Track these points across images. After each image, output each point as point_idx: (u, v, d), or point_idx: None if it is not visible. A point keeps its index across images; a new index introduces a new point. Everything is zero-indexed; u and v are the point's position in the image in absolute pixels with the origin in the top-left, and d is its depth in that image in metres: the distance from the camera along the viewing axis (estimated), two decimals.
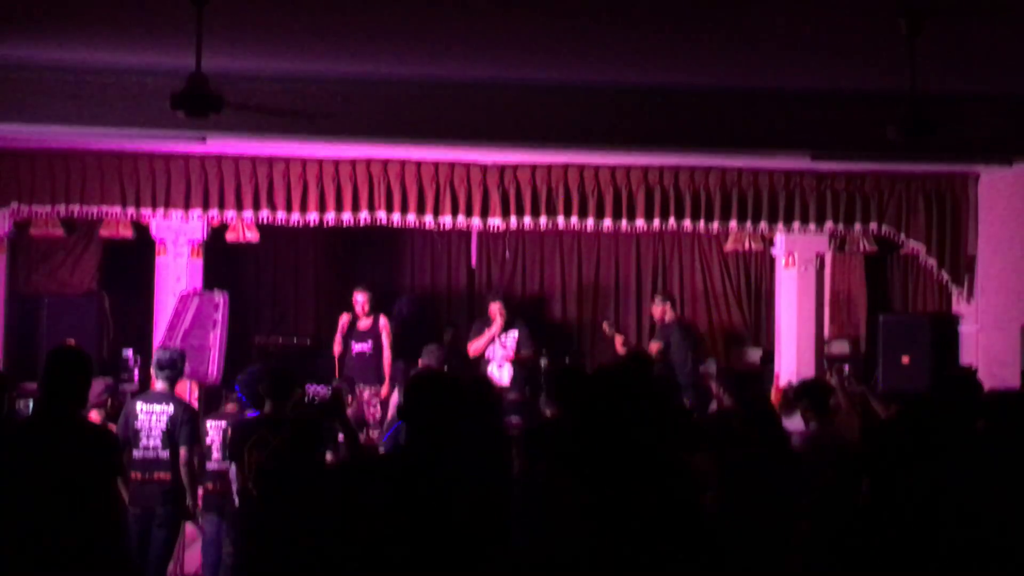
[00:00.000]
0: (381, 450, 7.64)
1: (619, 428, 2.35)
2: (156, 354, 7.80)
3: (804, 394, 6.86)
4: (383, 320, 10.63)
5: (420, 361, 8.92)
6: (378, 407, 10.25)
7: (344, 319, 10.60)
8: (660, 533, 2.27)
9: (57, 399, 4.89)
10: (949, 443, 4.79)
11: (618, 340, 11.02)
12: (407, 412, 3.80)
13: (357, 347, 10.56)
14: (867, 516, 4.54)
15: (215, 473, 7.52)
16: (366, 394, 10.28)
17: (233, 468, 6.53)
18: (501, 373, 10.56)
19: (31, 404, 8.64)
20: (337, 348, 10.59)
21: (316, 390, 9.99)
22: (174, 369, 7.62)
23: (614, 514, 2.33)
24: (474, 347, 10.88)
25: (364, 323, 10.61)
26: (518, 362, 10.67)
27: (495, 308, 10.83)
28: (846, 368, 10.56)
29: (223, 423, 7.64)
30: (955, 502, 4.37)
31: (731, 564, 4.24)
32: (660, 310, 11.20)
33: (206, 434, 7.65)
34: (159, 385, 7.57)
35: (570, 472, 2.33)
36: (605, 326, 11.23)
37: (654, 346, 10.91)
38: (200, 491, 7.59)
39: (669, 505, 2.62)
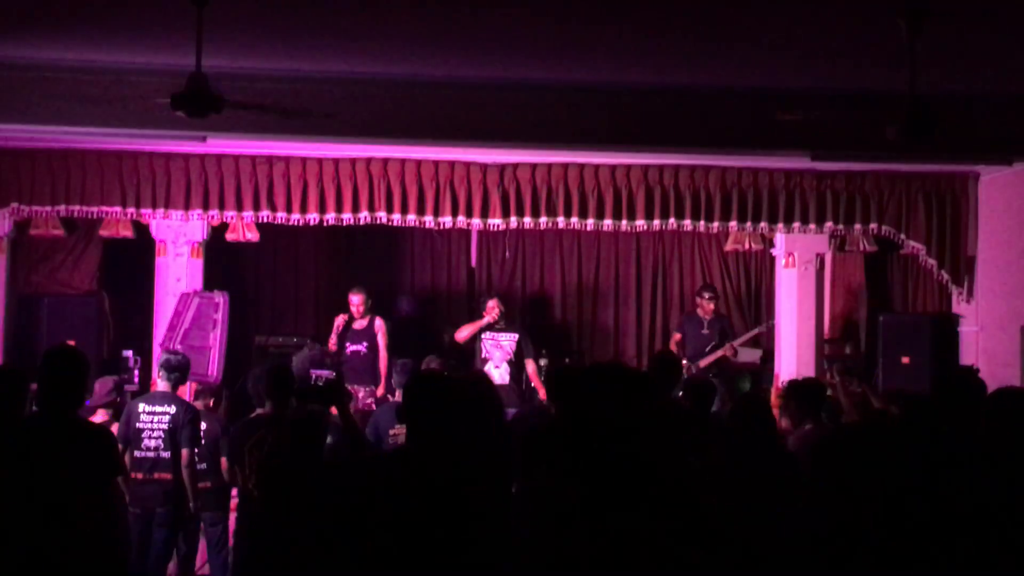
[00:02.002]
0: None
1: (608, 424, 2.35)
2: (165, 356, 7.79)
3: (795, 393, 6.80)
4: (379, 321, 10.63)
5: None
6: (373, 406, 10.24)
7: (340, 320, 10.60)
8: (656, 528, 2.28)
9: (55, 399, 4.89)
10: (954, 442, 4.79)
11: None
12: (406, 413, 3.80)
13: (352, 347, 10.56)
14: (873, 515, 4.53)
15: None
16: (361, 393, 10.28)
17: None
18: (498, 373, 10.56)
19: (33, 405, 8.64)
20: (331, 348, 10.58)
21: (320, 373, 10.03)
22: (182, 373, 7.66)
23: (608, 512, 2.33)
24: (461, 335, 10.90)
25: (360, 323, 10.61)
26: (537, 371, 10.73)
27: (491, 303, 10.84)
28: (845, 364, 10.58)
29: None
30: (960, 501, 4.37)
31: (730, 560, 4.24)
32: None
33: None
34: (161, 385, 7.58)
35: (563, 470, 2.33)
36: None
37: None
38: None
39: (665, 501, 2.62)
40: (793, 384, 7.04)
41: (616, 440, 2.37)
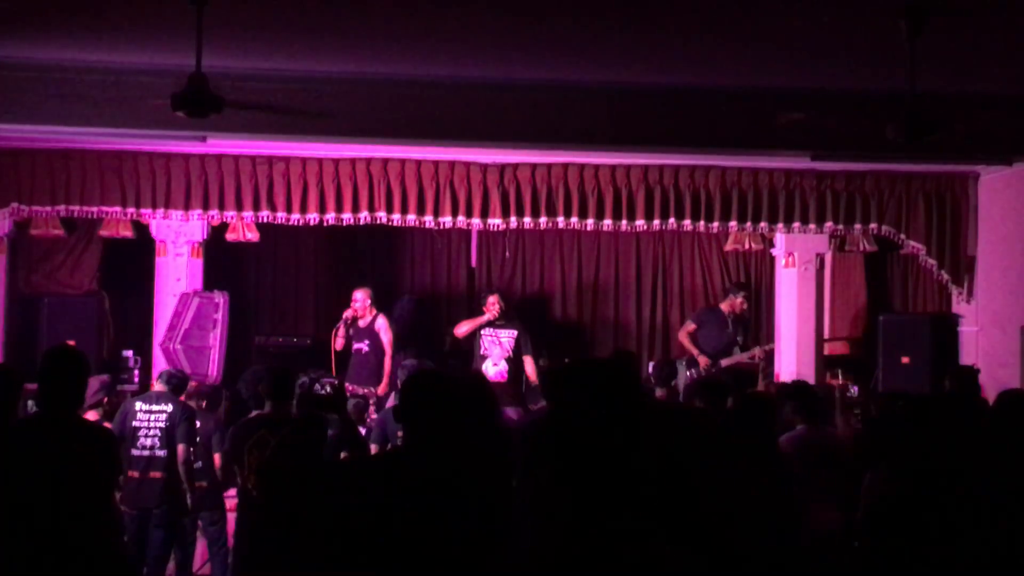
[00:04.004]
0: (373, 448, 7.65)
1: (582, 421, 2.37)
2: (169, 369, 7.81)
3: (792, 396, 6.80)
4: (381, 320, 10.58)
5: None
6: (373, 407, 10.19)
7: (348, 314, 10.54)
8: (641, 526, 2.29)
9: (55, 399, 4.90)
10: (956, 439, 4.79)
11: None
12: (402, 413, 3.80)
13: (355, 345, 10.52)
14: (883, 511, 4.53)
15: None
16: (360, 393, 10.25)
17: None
18: (496, 371, 10.55)
19: (32, 404, 8.65)
20: (339, 343, 10.46)
21: (324, 380, 10.03)
22: (179, 384, 7.69)
23: (595, 510, 2.34)
24: (460, 330, 10.90)
25: (363, 322, 10.59)
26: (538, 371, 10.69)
27: (492, 299, 10.82)
28: (852, 388, 10.60)
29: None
30: (964, 498, 4.36)
31: (723, 556, 4.24)
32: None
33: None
34: (159, 387, 7.58)
35: (551, 468, 2.34)
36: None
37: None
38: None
39: (649, 499, 2.62)
40: (793, 387, 7.06)
41: (592, 437, 2.37)
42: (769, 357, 11.45)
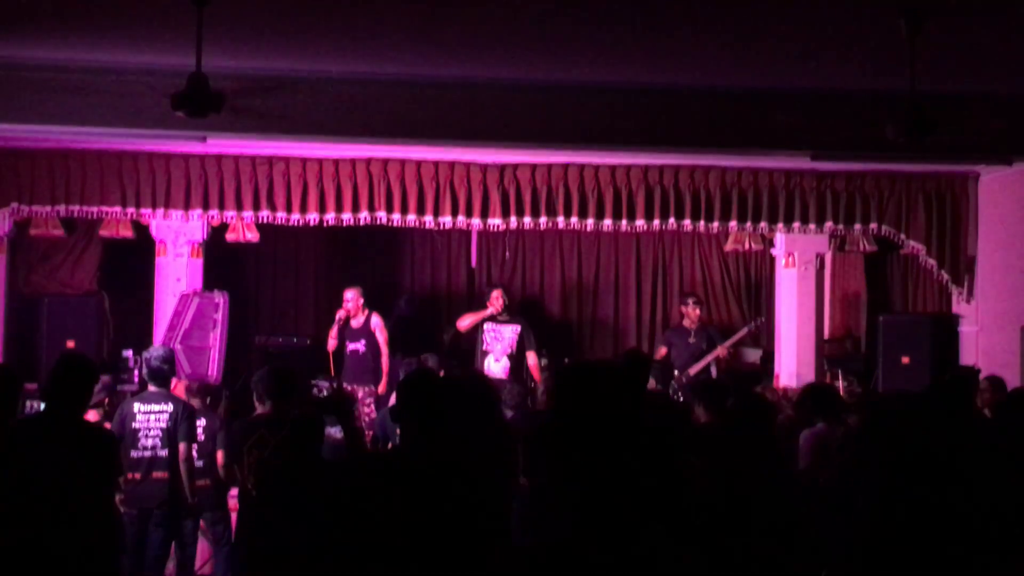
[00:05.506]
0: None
1: (610, 422, 2.37)
2: (146, 363, 7.57)
3: (812, 394, 6.88)
4: (375, 319, 10.54)
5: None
6: (372, 407, 10.18)
7: (341, 314, 10.55)
8: (650, 527, 2.29)
9: (61, 402, 4.94)
10: (953, 438, 4.79)
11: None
12: (400, 413, 3.81)
13: (351, 346, 10.49)
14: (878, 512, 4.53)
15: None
16: (360, 394, 10.23)
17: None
18: (499, 367, 10.54)
19: (36, 405, 8.65)
20: (332, 343, 10.47)
21: (322, 384, 10.04)
22: (169, 368, 7.58)
23: (603, 509, 2.34)
24: (463, 323, 10.87)
25: (356, 322, 10.56)
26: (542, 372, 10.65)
27: (495, 294, 10.80)
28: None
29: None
30: (963, 497, 4.36)
31: (724, 559, 4.24)
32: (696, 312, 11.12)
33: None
34: (153, 387, 7.52)
35: (560, 466, 2.35)
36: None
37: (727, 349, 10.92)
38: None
39: (660, 499, 2.62)
40: (811, 387, 7.14)
41: (597, 436, 2.38)
42: (768, 357, 11.45)
